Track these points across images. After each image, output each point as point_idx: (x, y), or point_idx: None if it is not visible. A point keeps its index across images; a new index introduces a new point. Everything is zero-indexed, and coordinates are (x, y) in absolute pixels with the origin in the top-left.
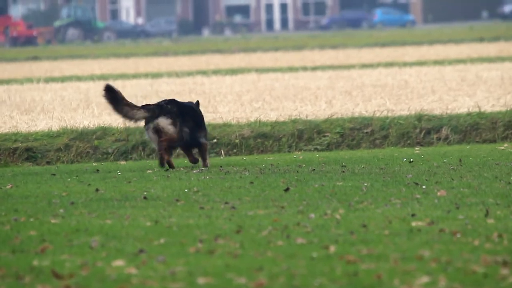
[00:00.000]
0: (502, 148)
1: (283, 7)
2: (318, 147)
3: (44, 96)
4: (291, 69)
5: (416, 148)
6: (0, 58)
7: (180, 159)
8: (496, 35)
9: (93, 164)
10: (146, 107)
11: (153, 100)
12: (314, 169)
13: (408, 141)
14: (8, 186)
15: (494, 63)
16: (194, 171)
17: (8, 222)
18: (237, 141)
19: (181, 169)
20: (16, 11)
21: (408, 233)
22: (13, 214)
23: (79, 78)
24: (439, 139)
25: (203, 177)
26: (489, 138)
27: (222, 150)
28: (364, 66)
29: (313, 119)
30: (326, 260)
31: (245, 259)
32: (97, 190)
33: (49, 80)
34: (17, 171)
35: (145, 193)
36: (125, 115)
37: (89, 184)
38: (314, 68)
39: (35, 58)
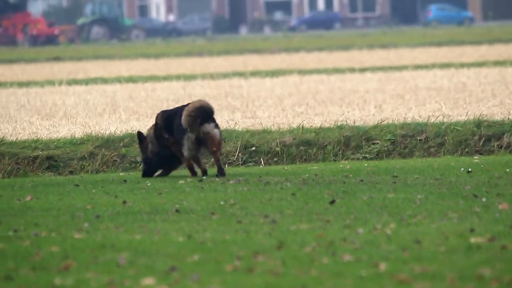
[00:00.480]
0: None
1: (328, 3)
2: (367, 155)
3: (66, 100)
4: (337, 70)
5: (475, 157)
6: (19, 58)
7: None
8: None
9: (120, 174)
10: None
11: None
12: (362, 180)
13: (466, 149)
14: (28, 198)
15: None
16: (231, 182)
17: (28, 237)
18: (278, 149)
19: (216, 179)
20: (36, 8)
21: (466, 250)
22: (34, 229)
23: (105, 81)
24: (500, 147)
25: (240, 188)
26: None
27: (261, 159)
28: (418, 67)
29: (361, 125)
30: (376, 279)
31: (286, 278)
32: (124, 202)
33: (72, 82)
34: (38, 181)
35: (177, 205)
36: None
37: (115, 196)
38: (363, 70)
39: (57, 58)
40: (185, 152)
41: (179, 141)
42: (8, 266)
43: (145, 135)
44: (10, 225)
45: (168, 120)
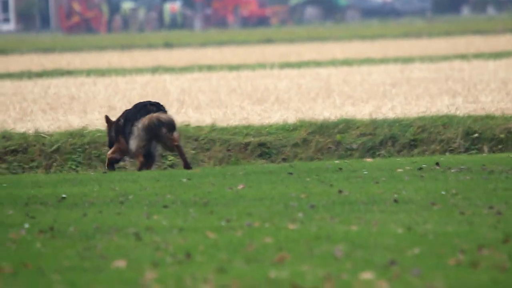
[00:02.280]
0: None
1: None
2: None
3: (278, 84)
4: None
5: None
6: (229, 41)
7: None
8: None
9: (335, 161)
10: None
11: (403, 89)
12: None
13: None
14: (240, 187)
15: None
16: (453, 170)
17: (240, 227)
18: (502, 135)
19: (437, 167)
20: None
21: None
22: (246, 219)
23: (318, 64)
24: None
25: (462, 177)
26: None
27: (484, 146)
28: None
29: None
30: None
31: None
32: (340, 191)
33: (284, 65)
34: (250, 169)
35: (395, 195)
36: None
37: (331, 185)
38: None
39: (269, 40)
40: None
41: None
42: (221, 258)
43: None
44: (222, 215)
45: None
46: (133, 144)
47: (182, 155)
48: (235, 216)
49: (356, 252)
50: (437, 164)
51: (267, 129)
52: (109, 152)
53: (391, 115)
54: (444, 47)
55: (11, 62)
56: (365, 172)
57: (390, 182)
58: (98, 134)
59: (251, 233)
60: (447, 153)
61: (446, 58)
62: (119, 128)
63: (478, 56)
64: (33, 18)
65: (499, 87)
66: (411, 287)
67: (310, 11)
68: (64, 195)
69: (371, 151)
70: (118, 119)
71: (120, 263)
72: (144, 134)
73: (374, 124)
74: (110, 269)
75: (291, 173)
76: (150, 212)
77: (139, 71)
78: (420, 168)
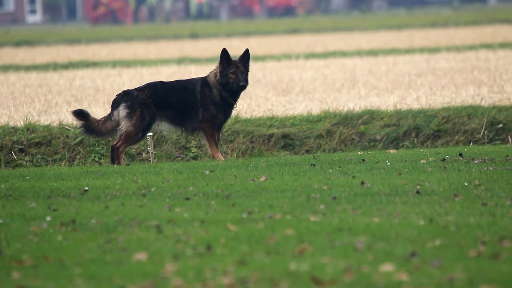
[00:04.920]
0: None
1: None
2: None
3: (303, 75)
4: None
5: None
6: (255, 31)
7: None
8: None
9: (359, 153)
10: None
11: (429, 79)
12: None
13: None
14: (262, 179)
15: None
16: (476, 161)
17: (262, 219)
18: None
19: (460, 158)
20: None
21: None
22: (268, 211)
23: (344, 54)
24: None
25: (486, 168)
26: None
27: (509, 137)
28: None
29: None
30: None
31: None
32: (362, 183)
33: (310, 56)
34: (272, 161)
35: (418, 186)
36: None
37: (353, 176)
38: None
39: (294, 31)
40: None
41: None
42: (242, 250)
43: None
44: (244, 207)
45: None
46: None
47: None
48: (256, 208)
49: (377, 244)
50: (460, 155)
51: (291, 121)
52: None
53: (415, 105)
54: (470, 36)
55: (37, 53)
56: (388, 164)
57: (413, 174)
58: None
59: (273, 225)
60: (471, 144)
61: (472, 47)
62: None
63: (505, 45)
64: (60, 9)
65: None
66: (431, 279)
67: (337, 1)
68: (86, 188)
69: (395, 142)
70: None
71: (141, 256)
72: None
73: (398, 115)
74: (131, 262)
75: (314, 165)
76: (172, 204)
77: (164, 62)
78: (443, 159)
